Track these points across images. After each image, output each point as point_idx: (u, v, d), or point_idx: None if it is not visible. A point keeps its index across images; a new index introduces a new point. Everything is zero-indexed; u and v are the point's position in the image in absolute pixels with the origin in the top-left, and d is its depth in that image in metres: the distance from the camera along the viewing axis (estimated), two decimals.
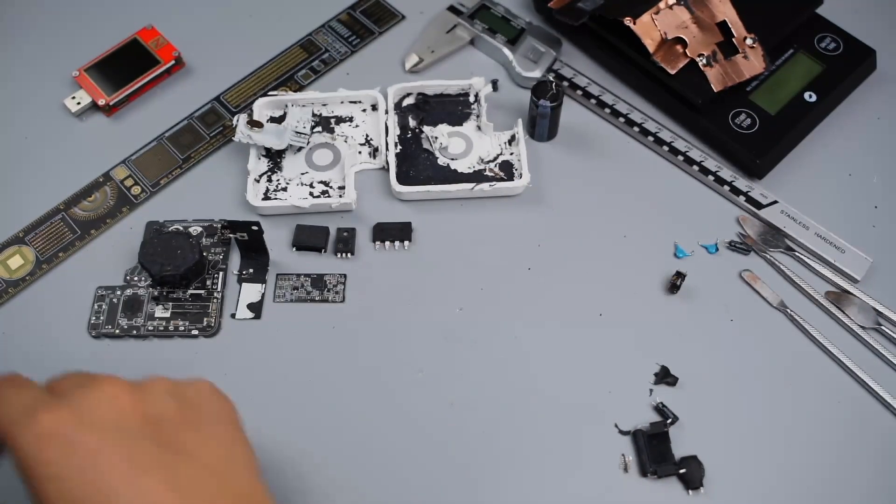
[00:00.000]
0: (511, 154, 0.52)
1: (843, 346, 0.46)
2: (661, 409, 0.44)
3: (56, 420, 0.31)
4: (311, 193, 0.51)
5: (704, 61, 0.51)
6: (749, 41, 0.53)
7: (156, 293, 0.48)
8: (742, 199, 0.51)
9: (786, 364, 0.46)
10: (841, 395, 0.45)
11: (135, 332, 0.47)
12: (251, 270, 0.49)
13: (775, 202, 0.50)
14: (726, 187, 0.51)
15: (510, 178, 0.51)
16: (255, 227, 0.46)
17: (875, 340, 0.46)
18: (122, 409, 0.33)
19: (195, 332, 0.47)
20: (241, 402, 0.44)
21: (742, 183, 0.51)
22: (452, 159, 0.52)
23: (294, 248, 0.49)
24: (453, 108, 0.54)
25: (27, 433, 0.31)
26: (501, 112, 0.54)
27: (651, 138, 0.53)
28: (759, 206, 0.50)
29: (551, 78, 0.54)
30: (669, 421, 0.43)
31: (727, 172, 0.51)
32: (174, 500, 0.31)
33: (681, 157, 0.52)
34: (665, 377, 0.45)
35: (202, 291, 0.48)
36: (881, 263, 0.49)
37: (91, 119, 0.55)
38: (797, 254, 0.49)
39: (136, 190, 0.52)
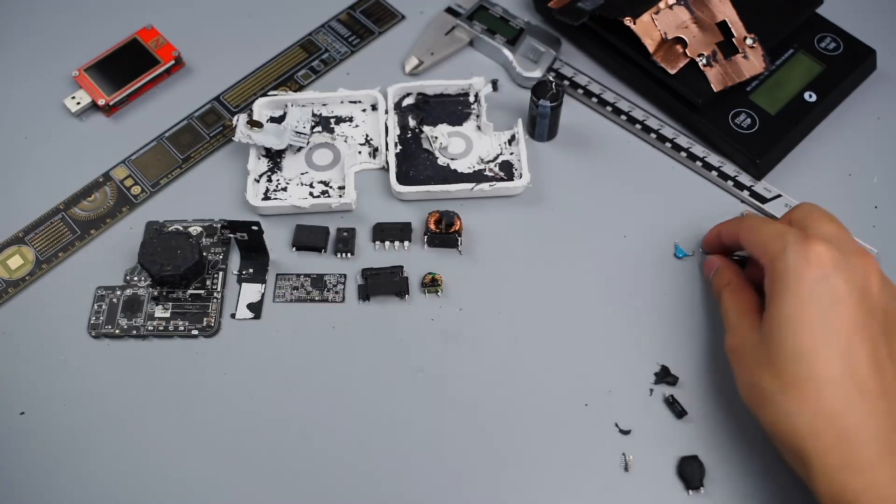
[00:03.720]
0: (511, 154, 0.52)
1: None
2: (671, 403, 0.44)
3: (825, 253, 0.38)
4: (311, 193, 0.51)
5: (704, 61, 0.51)
6: (749, 41, 0.53)
7: (156, 293, 0.48)
8: (746, 193, 0.51)
9: None
10: None
11: (135, 332, 0.46)
12: (251, 270, 0.49)
13: (779, 196, 0.50)
14: (730, 182, 0.51)
15: (510, 178, 0.51)
16: (254, 227, 0.46)
17: None
18: (870, 285, 0.39)
19: (195, 332, 0.47)
20: (240, 403, 0.45)
21: (746, 178, 0.51)
22: (452, 159, 0.52)
23: (294, 248, 0.49)
24: (453, 108, 0.54)
25: (797, 249, 0.39)
26: (501, 112, 0.54)
27: (653, 135, 0.53)
28: (763, 200, 0.50)
29: (551, 78, 0.54)
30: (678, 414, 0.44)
31: (730, 167, 0.51)
32: (875, 378, 0.37)
33: (683, 154, 0.52)
34: (665, 377, 0.45)
35: (202, 291, 0.48)
36: (881, 263, 0.48)
37: (91, 119, 0.55)
38: None
39: (135, 190, 0.52)
